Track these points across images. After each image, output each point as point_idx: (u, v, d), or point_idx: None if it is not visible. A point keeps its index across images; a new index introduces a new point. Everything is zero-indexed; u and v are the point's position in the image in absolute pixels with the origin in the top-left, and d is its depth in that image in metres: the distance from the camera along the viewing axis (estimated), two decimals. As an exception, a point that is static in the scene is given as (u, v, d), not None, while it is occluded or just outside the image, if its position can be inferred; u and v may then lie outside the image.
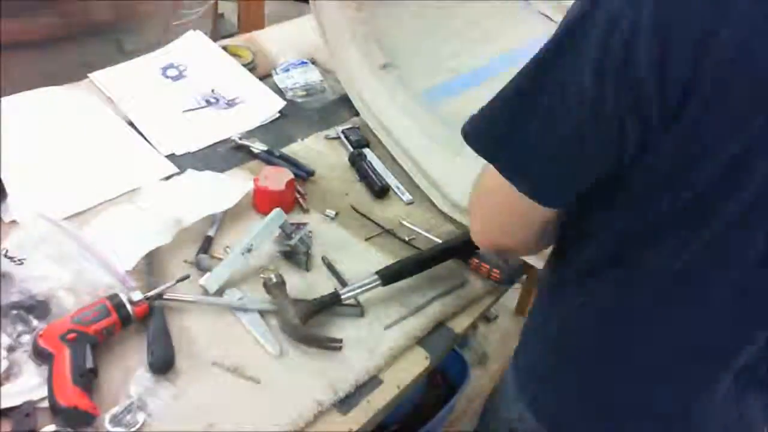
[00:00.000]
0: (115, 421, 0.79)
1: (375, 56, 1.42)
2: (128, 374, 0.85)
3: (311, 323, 0.94)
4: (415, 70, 1.47)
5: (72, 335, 0.82)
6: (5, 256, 0.92)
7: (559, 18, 1.84)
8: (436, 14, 1.59)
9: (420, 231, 1.14)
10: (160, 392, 0.83)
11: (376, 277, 0.98)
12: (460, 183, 1.17)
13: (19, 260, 0.93)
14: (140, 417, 0.80)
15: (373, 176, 1.22)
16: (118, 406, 0.80)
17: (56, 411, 0.77)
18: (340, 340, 0.92)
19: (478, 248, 0.98)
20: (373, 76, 1.39)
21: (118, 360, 0.87)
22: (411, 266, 1.02)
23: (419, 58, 1.50)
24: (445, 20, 1.59)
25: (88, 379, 0.80)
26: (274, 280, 0.97)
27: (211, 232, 1.06)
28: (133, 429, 0.79)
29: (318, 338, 0.92)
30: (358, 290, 0.97)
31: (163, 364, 0.85)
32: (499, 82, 1.49)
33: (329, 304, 0.96)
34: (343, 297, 0.96)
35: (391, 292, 1.03)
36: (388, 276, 0.98)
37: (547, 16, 1.75)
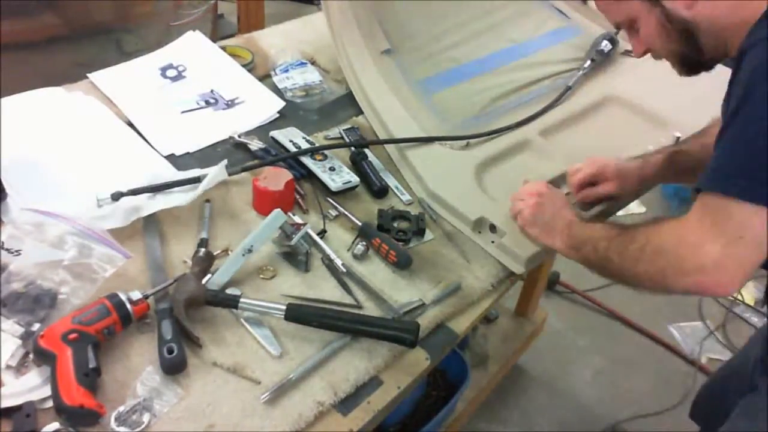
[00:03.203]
0: (120, 420, 0.79)
1: (378, 41, 1.43)
2: (132, 374, 0.85)
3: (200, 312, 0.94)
4: (416, 57, 1.48)
5: (73, 335, 0.82)
6: (2, 248, 0.93)
7: (572, 13, 1.82)
8: (444, 3, 1.58)
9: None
10: (167, 393, 0.83)
11: (282, 307, 0.92)
12: (438, 172, 1.20)
13: (16, 251, 0.93)
14: (146, 417, 0.80)
15: (373, 176, 1.22)
16: (123, 406, 0.80)
17: (62, 410, 0.77)
18: (198, 339, 0.89)
19: (411, 343, 0.93)
20: (373, 61, 1.40)
21: (120, 360, 0.87)
22: (318, 319, 0.93)
23: (422, 45, 1.51)
24: (454, 10, 1.59)
25: (92, 378, 0.80)
26: (201, 254, 0.98)
27: (204, 234, 1.06)
28: (138, 429, 0.79)
29: (185, 327, 0.89)
30: (258, 308, 0.93)
31: (178, 365, 0.86)
32: (498, 75, 1.50)
33: (221, 304, 0.94)
34: (240, 304, 0.93)
35: (390, 293, 1.03)
36: (293, 313, 0.92)
37: (561, 11, 1.74)
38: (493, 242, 1.11)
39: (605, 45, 1.57)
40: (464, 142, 1.28)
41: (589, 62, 1.54)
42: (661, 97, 1.43)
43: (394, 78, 1.39)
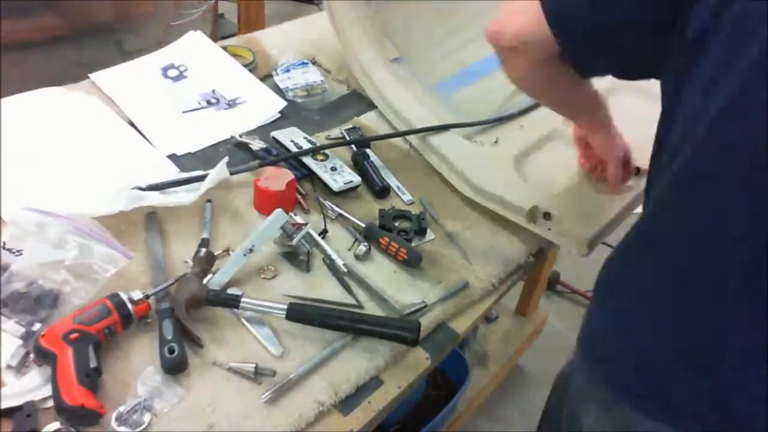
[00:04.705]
0: (121, 420, 0.79)
1: (387, 50, 1.44)
2: (133, 374, 0.85)
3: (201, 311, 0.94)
4: (426, 62, 1.49)
5: (74, 335, 0.82)
6: (3, 248, 0.93)
7: None
8: (441, 7, 1.61)
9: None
10: (168, 392, 0.83)
11: (284, 307, 0.93)
12: (478, 167, 1.22)
13: (17, 251, 0.93)
14: (146, 417, 0.80)
15: (375, 176, 1.22)
16: (123, 406, 0.81)
17: (62, 410, 0.77)
18: (200, 339, 0.89)
19: (413, 342, 0.93)
20: (386, 69, 1.41)
21: (121, 359, 0.87)
22: (320, 318, 0.94)
23: (428, 50, 1.52)
24: (450, 13, 1.61)
25: (93, 378, 0.80)
26: (202, 254, 0.98)
27: (205, 234, 1.06)
28: (138, 429, 0.79)
29: (186, 327, 0.89)
30: (260, 308, 0.93)
31: (179, 365, 0.86)
32: (503, 74, 1.49)
33: (222, 304, 0.94)
34: (241, 304, 0.93)
35: (391, 293, 1.03)
36: (294, 313, 0.93)
37: None
38: (550, 229, 1.12)
39: None
40: (494, 138, 1.32)
41: None
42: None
43: (411, 83, 1.41)
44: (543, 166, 1.27)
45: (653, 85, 1.51)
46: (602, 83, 1.49)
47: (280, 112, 1.39)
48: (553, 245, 1.17)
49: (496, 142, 1.31)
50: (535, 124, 1.36)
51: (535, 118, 1.39)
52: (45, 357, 0.82)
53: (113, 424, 0.79)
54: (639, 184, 1.23)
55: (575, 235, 1.10)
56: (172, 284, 0.94)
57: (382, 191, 1.21)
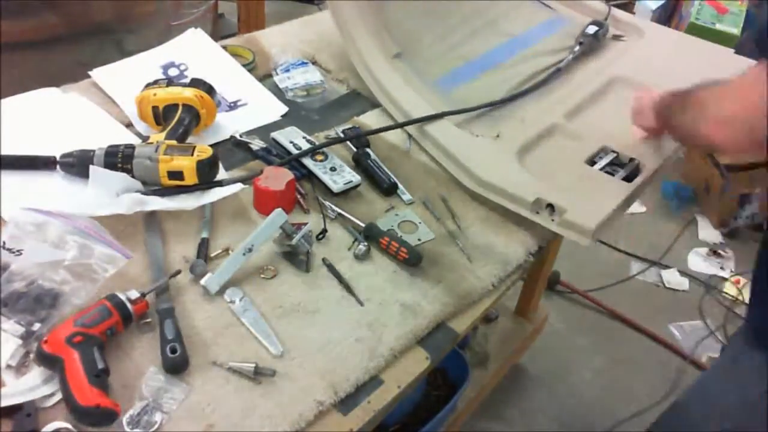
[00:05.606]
0: (134, 422, 0.79)
1: (387, 46, 1.45)
2: (136, 375, 0.85)
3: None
4: (426, 58, 1.50)
5: (78, 338, 0.82)
6: (3, 248, 0.93)
7: (558, 6, 1.90)
8: (442, 3, 1.62)
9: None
10: (174, 390, 0.83)
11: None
12: (481, 160, 1.24)
13: (17, 251, 0.93)
14: (157, 416, 0.80)
15: (380, 174, 1.23)
16: (133, 408, 0.80)
17: (77, 412, 0.77)
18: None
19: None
20: (388, 64, 1.42)
21: (122, 360, 0.87)
22: None
23: (429, 46, 1.53)
24: (450, 9, 1.63)
25: (102, 379, 0.80)
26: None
27: (205, 234, 1.06)
28: (151, 430, 0.79)
29: None
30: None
31: (181, 364, 0.86)
32: (504, 69, 1.55)
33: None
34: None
35: (391, 292, 1.03)
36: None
37: (545, 4, 1.80)
38: (553, 220, 1.15)
39: (591, 28, 1.64)
40: (496, 133, 1.32)
41: (578, 46, 1.60)
42: (659, 74, 1.50)
43: (413, 79, 1.42)
44: (545, 160, 1.28)
45: (651, 80, 1.52)
46: (602, 77, 1.51)
47: (279, 112, 1.39)
48: (556, 236, 1.17)
49: (497, 136, 1.32)
50: (536, 119, 1.37)
51: (536, 112, 1.40)
52: (51, 362, 0.81)
53: (125, 427, 0.79)
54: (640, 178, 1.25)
55: (579, 226, 1.12)
56: (165, 282, 0.95)
57: (390, 188, 1.21)
